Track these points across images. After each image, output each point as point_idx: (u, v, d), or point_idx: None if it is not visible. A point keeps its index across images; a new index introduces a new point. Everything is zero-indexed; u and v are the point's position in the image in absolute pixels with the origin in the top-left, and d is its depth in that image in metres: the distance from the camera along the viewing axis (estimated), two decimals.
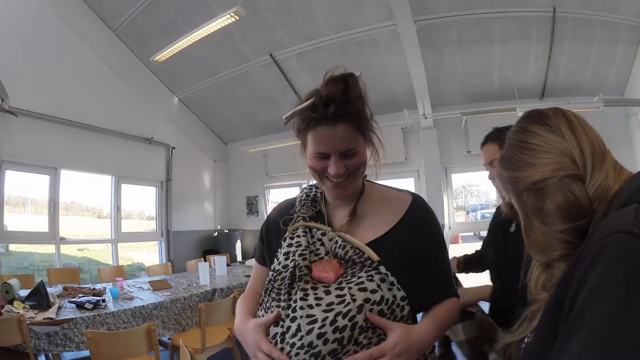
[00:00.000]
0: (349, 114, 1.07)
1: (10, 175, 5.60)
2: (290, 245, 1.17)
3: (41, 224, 6.15)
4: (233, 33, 6.08)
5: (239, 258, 8.60)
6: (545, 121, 0.87)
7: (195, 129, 9.01)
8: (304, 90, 7.03)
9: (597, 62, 6.09)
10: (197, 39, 5.38)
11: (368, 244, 1.13)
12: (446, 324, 1.14)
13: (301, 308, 1.01)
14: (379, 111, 7.29)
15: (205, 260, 6.28)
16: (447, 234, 6.81)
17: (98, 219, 7.61)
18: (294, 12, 5.92)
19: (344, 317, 0.97)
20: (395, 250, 1.12)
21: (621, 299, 0.57)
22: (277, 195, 9.56)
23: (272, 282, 1.14)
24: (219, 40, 5.96)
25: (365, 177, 1.30)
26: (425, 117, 6.68)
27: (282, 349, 0.99)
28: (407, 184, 7.58)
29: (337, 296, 1.02)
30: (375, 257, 1.08)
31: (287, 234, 1.21)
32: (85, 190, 7.06)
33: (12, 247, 5.99)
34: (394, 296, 1.04)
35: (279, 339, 1.01)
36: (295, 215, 1.26)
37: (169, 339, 4.08)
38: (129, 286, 4.57)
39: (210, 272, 5.26)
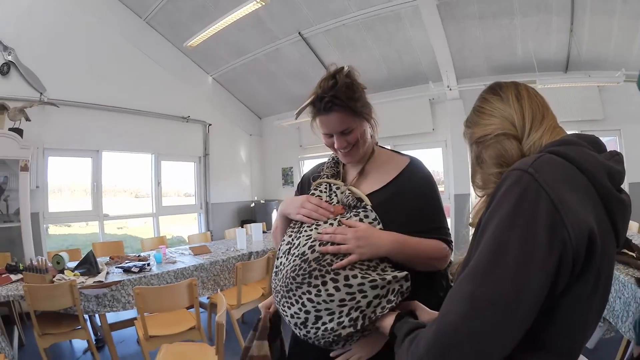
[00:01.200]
0: (337, 104, 1.39)
1: (52, 161, 6.07)
2: (312, 195, 1.53)
3: (84, 205, 6.61)
4: (261, 15, 6.23)
5: None
6: (499, 91, 1.10)
7: (230, 105, 9.31)
8: (332, 65, 7.27)
9: (619, 36, 5.98)
10: (226, 25, 5.62)
11: (368, 195, 1.45)
12: (414, 246, 1.37)
13: (305, 231, 1.37)
14: (406, 83, 7.50)
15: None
16: (472, 204, 6.97)
17: (135, 199, 8.08)
18: None
19: None
20: (388, 198, 1.44)
21: (509, 217, 0.80)
22: (311, 166, 9.80)
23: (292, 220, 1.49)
24: (248, 22, 6.12)
25: (377, 143, 1.63)
26: (450, 89, 6.78)
27: (287, 259, 1.34)
28: (434, 153, 7.75)
29: (330, 224, 1.36)
30: (367, 201, 1.42)
31: (312, 186, 1.58)
32: (123, 172, 7.45)
33: (52, 230, 6.43)
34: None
35: (287, 250, 1.37)
36: (322, 173, 1.64)
37: (207, 298, 4.51)
38: (171, 253, 4.95)
39: (247, 239, 5.63)
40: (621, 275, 2.95)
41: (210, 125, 8.50)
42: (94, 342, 3.94)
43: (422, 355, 0.84)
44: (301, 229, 1.40)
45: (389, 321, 1.18)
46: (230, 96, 9.28)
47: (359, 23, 6.49)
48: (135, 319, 3.69)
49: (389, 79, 7.61)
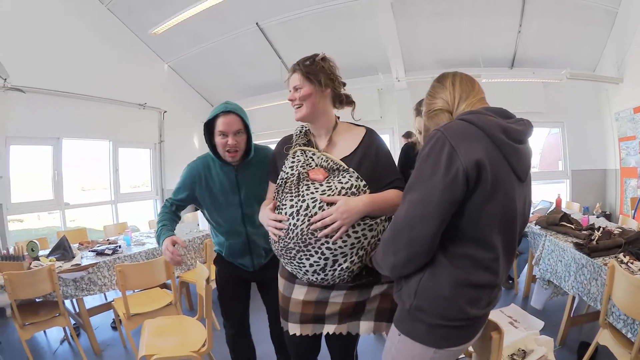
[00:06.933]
0: (296, 69, 1.86)
1: (14, 150, 5.78)
2: (293, 162, 1.82)
3: (44, 195, 6.44)
4: (222, 4, 6.22)
5: None
6: (441, 80, 1.54)
7: (184, 93, 9.36)
8: (287, 55, 7.53)
9: (567, 38, 6.65)
10: (191, 15, 5.75)
11: (341, 159, 1.79)
12: (381, 200, 1.71)
13: (307, 194, 1.67)
14: (356, 74, 7.85)
15: None
16: None
17: (82, 191, 8.11)
18: None
19: None
20: (358, 162, 1.80)
21: (427, 153, 1.28)
22: None
23: (282, 186, 1.78)
24: (208, 11, 6.14)
25: (338, 118, 1.99)
26: (398, 80, 7.26)
27: (297, 220, 1.64)
28: (383, 140, 8.22)
29: (327, 187, 1.68)
30: (345, 166, 1.76)
31: (289, 154, 1.87)
32: (76, 163, 7.23)
33: (11, 226, 6.03)
34: (359, 185, 1.70)
35: (294, 213, 1.66)
36: (294, 143, 1.92)
37: (177, 277, 4.67)
38: (137, 236, 5.07)
39: None
40: (560, 242, 3.58)
41: (165, 112, 8.53)
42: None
43: (385, 238, 1.39)
44: (299, 192, 1.69)
45: None
46: (184, 83, 9.30)
47: (314, 16, 6.79)
48: (112, 301, 3.80)
49: (340, 69, 7.84)
